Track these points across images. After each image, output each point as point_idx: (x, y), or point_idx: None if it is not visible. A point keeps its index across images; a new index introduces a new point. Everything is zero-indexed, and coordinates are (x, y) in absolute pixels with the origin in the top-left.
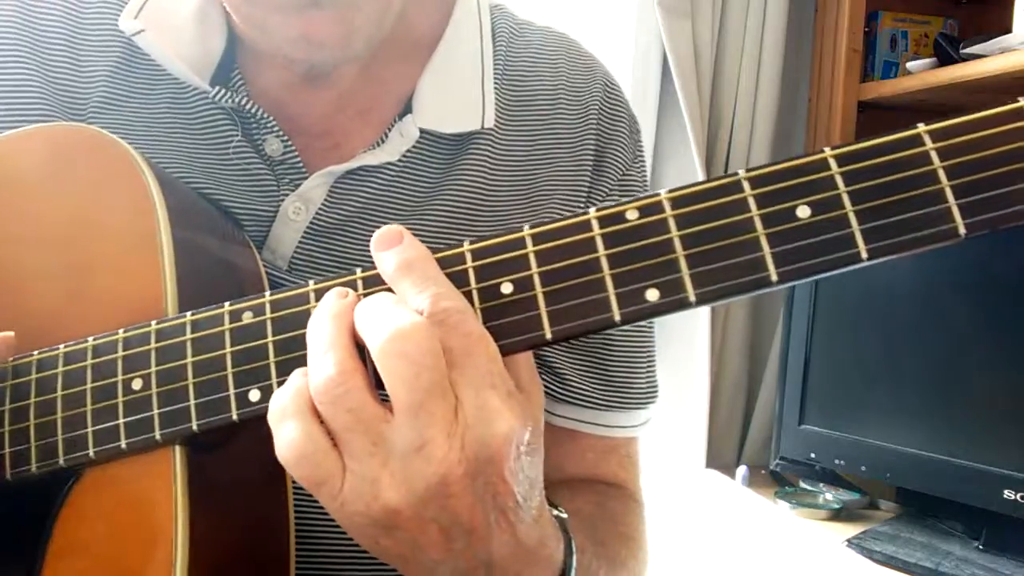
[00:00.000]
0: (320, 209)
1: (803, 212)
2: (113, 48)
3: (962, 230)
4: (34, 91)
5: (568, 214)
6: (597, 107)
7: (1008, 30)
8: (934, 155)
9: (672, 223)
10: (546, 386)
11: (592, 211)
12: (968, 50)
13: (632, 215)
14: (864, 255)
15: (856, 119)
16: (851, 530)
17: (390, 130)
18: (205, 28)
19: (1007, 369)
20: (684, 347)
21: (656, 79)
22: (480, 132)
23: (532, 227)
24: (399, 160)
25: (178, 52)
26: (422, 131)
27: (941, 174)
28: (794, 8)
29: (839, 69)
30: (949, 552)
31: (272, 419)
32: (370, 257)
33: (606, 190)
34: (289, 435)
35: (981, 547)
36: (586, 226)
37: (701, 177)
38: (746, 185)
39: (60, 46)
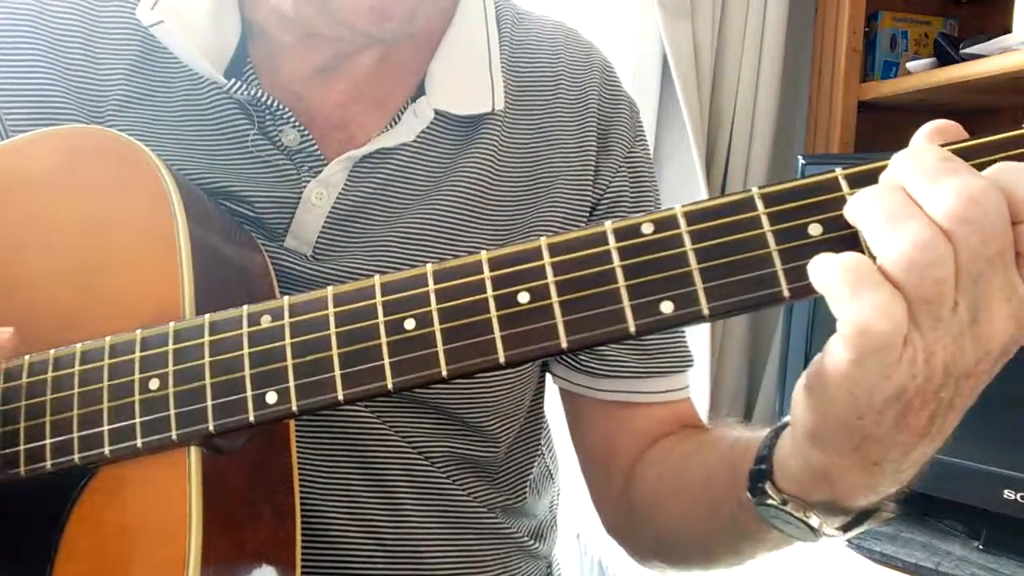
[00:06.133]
0: (341, 193)
1: (815, 230)
2: (129, 47)
3: None
4: (55, 92)
5: (585, 225)
6: (597, 90)
7: (1008, 30)
8: None
9: (687, 238)
10: (585, 364)
11: (608, 224)
12: (968, 50)
13: (647, 229)
14: None
15: (856, 119)
16: None
17: (403, 112)
18: (219, 20)
19: (1007, 369)
20: None
21: (656, 79)
22: (490, 115)
23: (549, 238)
24: (414, 141)
25: (195, 44)
26: (436, 112)
27: None
28: (794, 8)
29: (839, 69)
30: (949, 552)
31: (847, 289)
32: (389, 242)
33: (615, 167)
34: (877, 302)
35: (981, 547)
36: (602, 238)
37: (701, 177)
38: (759, 203)
39: (77, 46)
